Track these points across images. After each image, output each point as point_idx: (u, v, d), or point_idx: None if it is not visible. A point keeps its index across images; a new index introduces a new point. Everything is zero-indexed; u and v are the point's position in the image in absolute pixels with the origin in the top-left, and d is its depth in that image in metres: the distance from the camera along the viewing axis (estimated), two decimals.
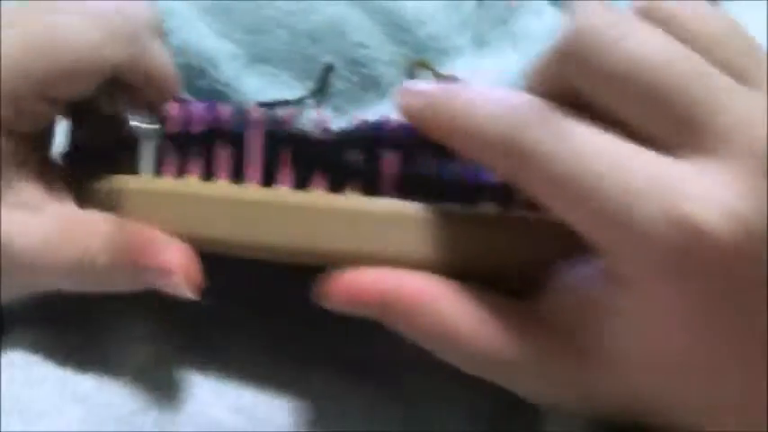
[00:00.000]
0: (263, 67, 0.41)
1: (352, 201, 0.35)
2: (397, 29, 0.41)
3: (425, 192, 0.35)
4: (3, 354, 0.37)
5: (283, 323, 0.39)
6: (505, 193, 0.35)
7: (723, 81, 0.30)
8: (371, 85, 0.41)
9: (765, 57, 0.31)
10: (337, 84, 0.41)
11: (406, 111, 0.34)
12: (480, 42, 0.43)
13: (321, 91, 0.40)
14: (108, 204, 0.36)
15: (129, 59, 0.35)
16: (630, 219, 0.29)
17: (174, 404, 0.36)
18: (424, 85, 0.34)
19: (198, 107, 0.36)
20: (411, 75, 0.41)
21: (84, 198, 0.37)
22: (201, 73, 0.40)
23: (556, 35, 0.32)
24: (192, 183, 0.36)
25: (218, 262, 0.40)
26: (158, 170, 0.36)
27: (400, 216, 0.34)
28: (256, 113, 0.36)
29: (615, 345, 0.32)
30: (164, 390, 0.36)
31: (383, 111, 0.37)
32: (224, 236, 0.35)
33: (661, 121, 0.30)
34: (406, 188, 0.35)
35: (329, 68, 0.40)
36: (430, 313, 0.33)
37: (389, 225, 0.34)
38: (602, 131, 0.31)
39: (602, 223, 0.30)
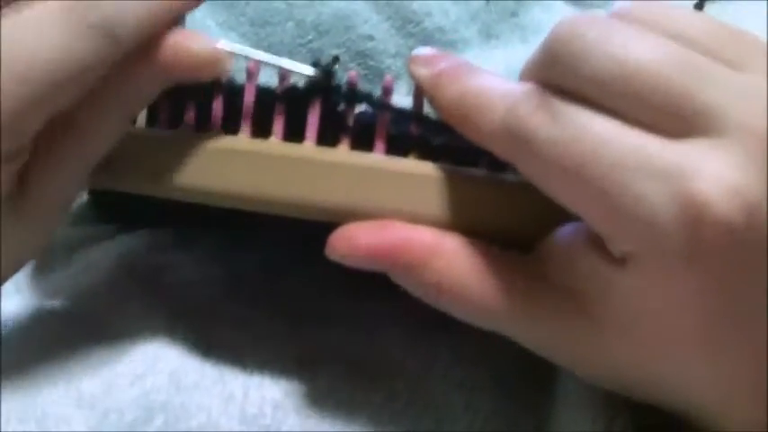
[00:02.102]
0: None
1: (365, 157, 0.35)
2: (405, 21, 0.41)
3: (416, 152, 0.35)
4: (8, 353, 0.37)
5: (288, 322, 0.39)
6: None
7: (709, 66, 0.30)
8: (377, 78, 0.41)
9: (764, 44, 0.31)
10: (343, 77, 0.41)
11: (416, 77, 0.35)
12: (488, 35, 0.43)
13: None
14: None
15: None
16: (634, 200, 0.29)
17: (180, 411, 0.36)
18: (434, 53, 0.35)
19: None
20: None
21: None
22: None
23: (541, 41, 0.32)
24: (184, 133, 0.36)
25: (221, 254, 0.40)
26: (153, 120, 0.36)
27: (413, 175, 0.34)
28: (253, 66, 0.36)
29: (624, 312, 0.31)
30: (170, 397, 0.36)
31: None
32: (234, 188, 0.35)
33: (651, 111, 0.30)
34: (396, 147, 0.35)
35: (335, 60, 0.40)
36: (439, 266, 0.33)
37: (404, 183, 0.34)
38: (599, 114, 0.30)
39: (604, 205, 0.30)
